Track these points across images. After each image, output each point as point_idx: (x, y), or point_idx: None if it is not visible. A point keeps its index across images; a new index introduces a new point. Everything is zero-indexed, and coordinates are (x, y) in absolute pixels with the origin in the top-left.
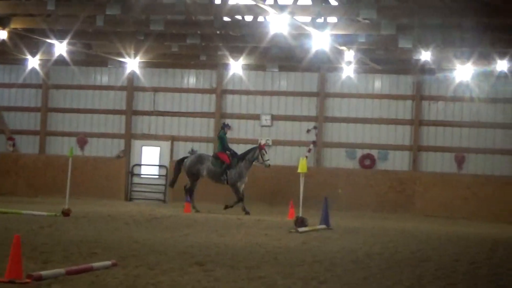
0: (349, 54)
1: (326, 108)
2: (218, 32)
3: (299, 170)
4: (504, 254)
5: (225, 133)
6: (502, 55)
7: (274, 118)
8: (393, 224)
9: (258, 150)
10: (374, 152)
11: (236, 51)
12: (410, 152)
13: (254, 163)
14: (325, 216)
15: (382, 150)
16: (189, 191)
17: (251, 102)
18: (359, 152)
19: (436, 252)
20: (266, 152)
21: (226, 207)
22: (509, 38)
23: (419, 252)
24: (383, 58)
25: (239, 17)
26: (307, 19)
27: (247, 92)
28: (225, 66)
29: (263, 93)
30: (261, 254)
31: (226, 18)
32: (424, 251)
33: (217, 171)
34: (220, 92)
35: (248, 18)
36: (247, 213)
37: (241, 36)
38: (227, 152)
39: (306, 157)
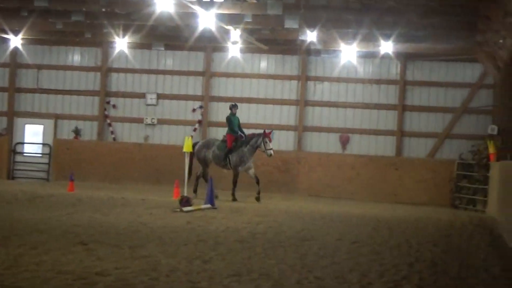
0: (235, 34)
1: (212, 87)
2: (103, 9)
3: (184, 149)
4: (386, 233)
5: (234, 114)
6: (386, 37)
7: (159, 97)
8: (277, 204)
9: (262, 137)
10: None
11: (122, 29)
12: (295, 132)
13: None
14: (210, 196)
15: (267, 129)
16: (199, 177)
17: (136, 81)
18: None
19: (320, 231)
20: (270, 140)
21: (257, 198)
22: (393, 20)
23: (303, 231)
24: (269, 38)
25: None
26: None
27: (133, 71)
28: (111, 44)
29: (149, 71)
30: (146, 234)
31: None
32: (308, 231)
33: (221, 156)
34: (105, 70)
35: None
36: (234, 199)
37: (127, 14)
38: (234, 134)
39: (192, 136)
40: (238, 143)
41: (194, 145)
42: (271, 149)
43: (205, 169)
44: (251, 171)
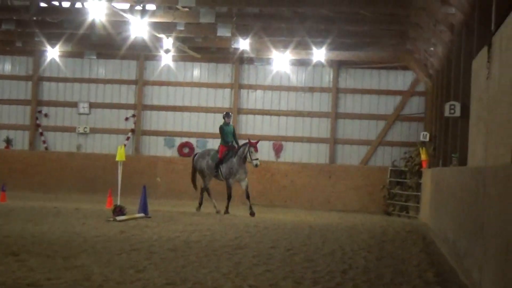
0: (168, 42)
1: (144, 96)
2: (34, 18)
3: (117, 158)
4: (319, 240)
5: (228, 124)
6: (318, 45)
7: (92, 105)
8: (212, 212)
9: (247, 146)
10: (193, 141)
11: (53, 38)
12: None
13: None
14: (144, 205)
15: (201, 138)
16: (203, 190)
17: (68, 90)
18: (178, 140)
19: (254, 239)
20: (255, 150)
21: (251, 214)
22: (325, 28)
23: (237, 239)
24: (202, 46)
25: (56, 2)
26: (126, 6)
27: (65, 79)
28: (42, 52)
29: (81, 80)
30: (79, 243)
31: (42, 4)
32: (241, 239)
33: (213, 166)
34: (37, 79)
35: (66, 4)
36: (226, 212)
37: (59, 22)
38: (226, 145)
39: (125, 145)
40: (229, 153)
41: (193, 156)
42: (257, 159)
43: (204, 180)
44: (243, 183)
